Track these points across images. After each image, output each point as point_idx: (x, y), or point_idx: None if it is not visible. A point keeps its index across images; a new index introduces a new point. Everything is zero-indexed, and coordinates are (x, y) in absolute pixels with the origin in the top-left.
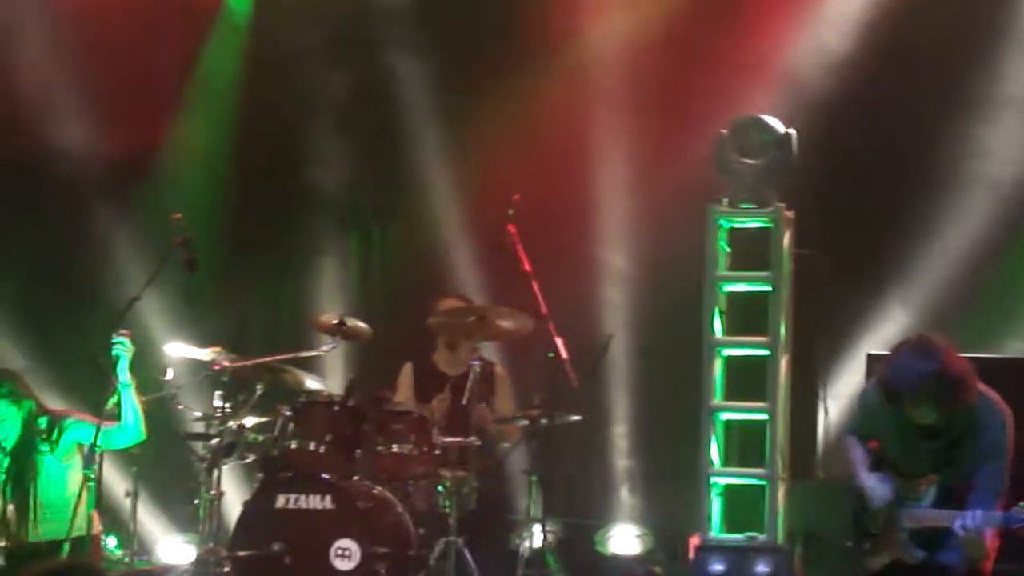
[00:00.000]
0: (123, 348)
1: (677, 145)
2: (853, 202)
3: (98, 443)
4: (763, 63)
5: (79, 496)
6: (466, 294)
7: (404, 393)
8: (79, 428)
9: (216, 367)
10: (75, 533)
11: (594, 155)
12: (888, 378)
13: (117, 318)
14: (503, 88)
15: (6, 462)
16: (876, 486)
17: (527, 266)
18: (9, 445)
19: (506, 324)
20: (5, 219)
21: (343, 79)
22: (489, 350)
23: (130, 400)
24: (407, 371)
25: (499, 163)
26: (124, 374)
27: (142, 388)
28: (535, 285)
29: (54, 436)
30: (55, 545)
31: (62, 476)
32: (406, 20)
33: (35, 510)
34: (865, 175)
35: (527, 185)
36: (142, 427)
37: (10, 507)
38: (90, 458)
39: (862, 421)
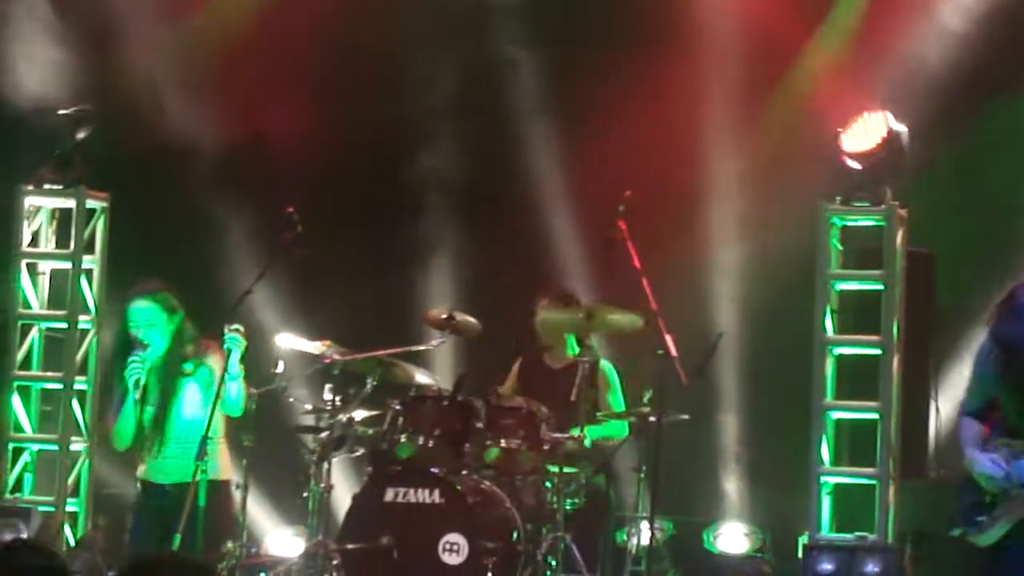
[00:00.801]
0: (235, 342)
1: (791, 140)
2: (967, 197)
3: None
4: (884, 55)
5: (209, 433)
6: (573, 290)
7: (510, 385)
8: (214, 366)
9: (326, 360)
10: (210, 475)
11: (707, 149)
12: (1001, 326)
13: (229, 311)
14: (616, 82)
15: (151, 373)
16: (987, 464)
17: (637, 263)
18: (156, 356)
19: (616, 321)
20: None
21: (456, 69)
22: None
23: (238, 388)
24: (515, 367)
25: (611, 158)
26: (235, 367)
27: (254, 381)
28: (645, 282)
29: (197, 361)
30: (182, 488)
31: (196, 405)
32: (520, 10)
33: (169, 432)
34: (978, 170)
35: (639, 180)
36: (241, 405)
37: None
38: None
39: (977, 389)
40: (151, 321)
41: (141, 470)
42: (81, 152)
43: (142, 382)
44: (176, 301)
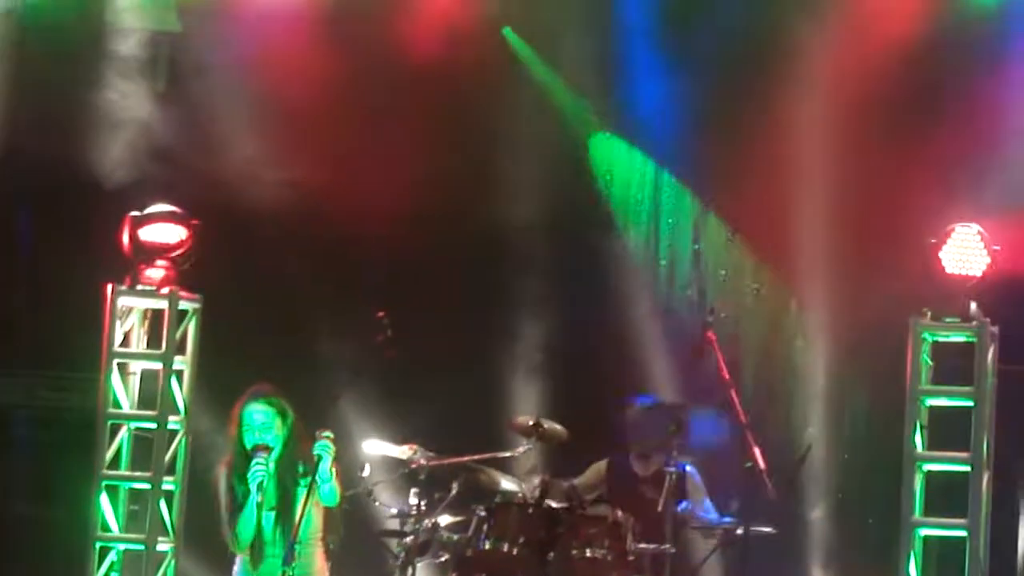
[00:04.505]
0: (325, 449)
1: (886, 253)
2: None
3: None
4: (978, 163)
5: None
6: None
7: (587, 481)
8: (325, 458)
9: (413, 465)
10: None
11: (796, 262)
12: None
13: (319, 418)
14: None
15: (271, 480)
16: None
17: (726, 374)
18: (274, 461)
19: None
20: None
21: (542, 172)
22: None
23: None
24: (600, 468)
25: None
26: (325, 472)
27: (340, 484)
28: (734, 393)
29: (310, 464)
30: None
31: (310, 510)
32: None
33: (290, 544)
34: None
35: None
36: (337, 496)
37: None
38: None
39: None
40: (267, 425)
41: (245, 572)
42: (175, 255)
43: (265, 485)
44: (287, 404)
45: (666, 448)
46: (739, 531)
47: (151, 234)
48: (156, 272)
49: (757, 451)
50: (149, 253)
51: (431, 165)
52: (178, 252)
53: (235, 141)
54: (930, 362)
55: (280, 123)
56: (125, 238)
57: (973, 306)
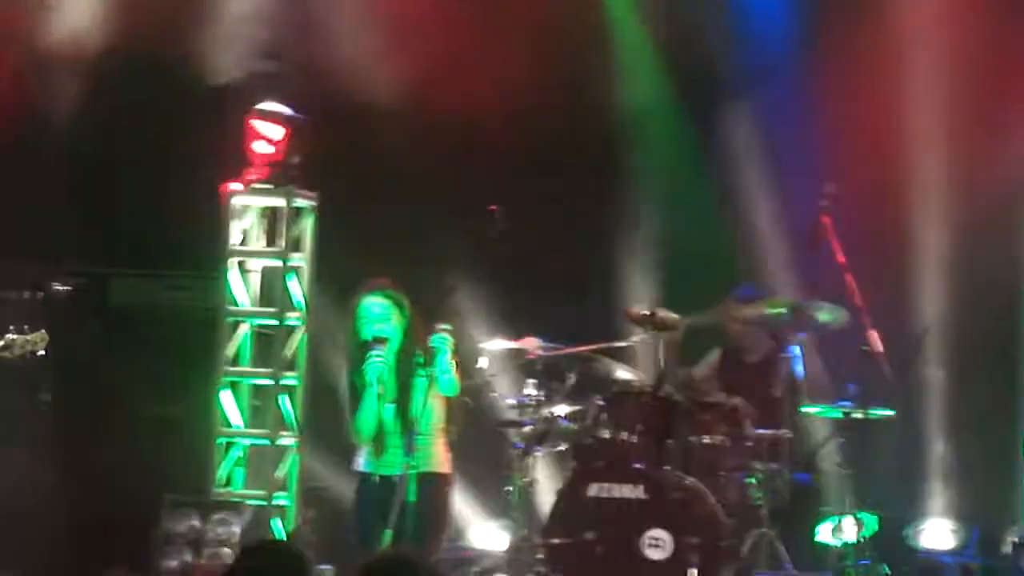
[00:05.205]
0: (443, 342)
1: (1003, 134)
2: None
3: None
4: None
5: (419, 427)
6: (772, 287)
7: (703, 373)
8: (443, 351)
9: (529, 356)
10: (424, 468)
11: (913, 143)
12: None
13: (437, 310)
14: (818, 75)
15: (390, 372)
16: None
17: (841, 257)
18: (391, 351)
19: (821, 318)
20: (331, 205)
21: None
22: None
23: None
24: (714, 357)
25: (813, 151)
26: (444, 365)
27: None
28: (850, 277)
29: (429, 356)
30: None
31: (430, 401)
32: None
33: (411, 434)
34: None
35: (843, 174)
36: (455, 386)
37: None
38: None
39: None
40: (384, 317)
41: (369, 463)
42: (289, 152)
43: (384, 377)
44: (404, 297)
45: (780, 334)
46: (857, 414)
47: (265, 133)
48: (272, 170)
49: (874, 334)
50: (264, 152)
51: (542, 55)
52: (292, 150)
53: (348, 38)
54: None
55: (391, 20)
56: (240, 137)
57: None
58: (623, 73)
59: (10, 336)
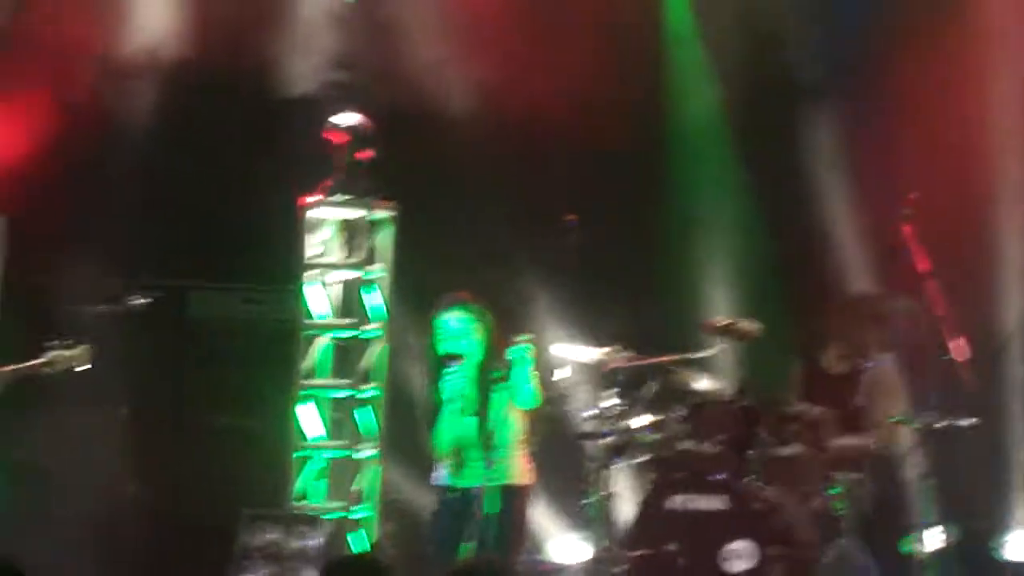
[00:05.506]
0: (524, 352)
1: None
2: None
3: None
4: None
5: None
6: (862, 295)
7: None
8: (524, 363)
9: (608, 367)
10: (505, 480)
11: (995, 149)
12: None
13: (515, 322)
14: (897, 80)
15: (470, 386)
16: None
17: (924, 265)
18: (471, 366)
19: (902, 326)
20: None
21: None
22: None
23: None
24: (794, 367)
25: (894, 159)
26: (524, 376)
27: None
28: (932, 285)
29: (507, 370)
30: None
31: (510, 414)
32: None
33: (487, 439)
34: None
35: (923, 183)
36: (536, 398)
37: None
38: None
39: None
40: (462, 332)
41: (449, 476)
42: (367, 164)
43: (463, 391)
44: (485, 310)
45: (863, 344)
46: (939, 425)
47: (341, 143)
48: (349, 181)
49: (955, 343)
50: (340, 163)
51: (611, 57)
52: (369, 160)
53: (422, 45)
54: None
55: (464, 26)
56: (317, 149)
57: None
58: (695, 79)
59: (53, 352)
